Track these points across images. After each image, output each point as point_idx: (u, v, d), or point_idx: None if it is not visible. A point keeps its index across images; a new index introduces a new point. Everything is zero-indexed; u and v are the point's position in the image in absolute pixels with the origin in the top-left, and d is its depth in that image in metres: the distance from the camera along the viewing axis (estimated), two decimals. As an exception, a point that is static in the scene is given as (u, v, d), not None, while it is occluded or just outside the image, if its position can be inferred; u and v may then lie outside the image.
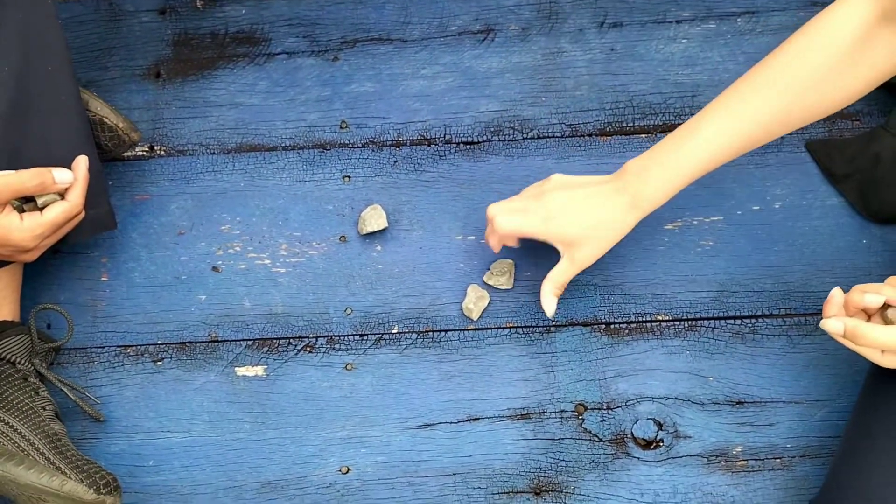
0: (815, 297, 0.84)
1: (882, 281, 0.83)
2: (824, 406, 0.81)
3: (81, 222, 0.78)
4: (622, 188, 0.73)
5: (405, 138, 0.91)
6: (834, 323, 0.66)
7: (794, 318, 0.83)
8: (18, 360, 0.79)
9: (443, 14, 0.95)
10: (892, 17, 0.66)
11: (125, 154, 0.91)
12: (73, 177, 0.73)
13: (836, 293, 0.67)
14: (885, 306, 0.67)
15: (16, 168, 0.70)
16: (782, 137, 0.89)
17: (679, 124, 0.90)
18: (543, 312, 0.83)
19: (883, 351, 0.65)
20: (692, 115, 0.90)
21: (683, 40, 0.93)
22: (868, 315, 0.68)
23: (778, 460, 0.79)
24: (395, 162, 0.91)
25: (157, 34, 0.96)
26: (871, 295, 0.66)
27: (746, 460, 0.79)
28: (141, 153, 0.92)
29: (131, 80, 0.94)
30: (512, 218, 0.76)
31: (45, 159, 0.74)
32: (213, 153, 0.92)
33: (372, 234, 0.88)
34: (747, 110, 0.69)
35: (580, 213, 0.74)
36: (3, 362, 0.79)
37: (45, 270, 0.87)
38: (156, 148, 0.92)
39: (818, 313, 0.83)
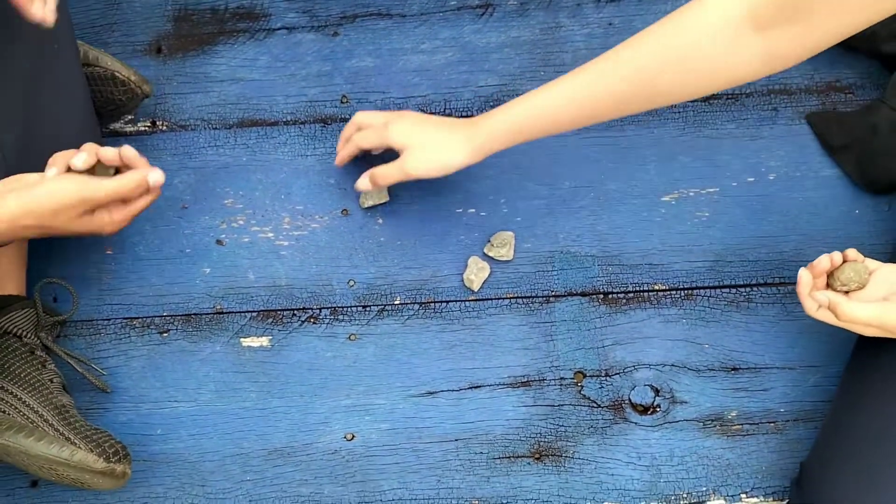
0: (808, 267, 0.86)
1: (872, 249, 0.85)
2: (817, 371, 0.83)
3: None
4: (469, 123, 0.78)
5: (405, 113, 0.92)
6: (818, 297, 0.69)
7: (787, 287, 0.85)
8: (24, 333, 0.80)
9: (442, -11, 0.96)
10: (763, 25, 0.64)
11: (128, 130, 0.92)
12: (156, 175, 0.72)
13: (803, 273, 0.71)
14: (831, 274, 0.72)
15: (27, 141, 0.71)
16: (776, 110, 0.91)
17: (675, 98, 0.92)
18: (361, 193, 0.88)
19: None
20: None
21: (680, 15, 0.94)
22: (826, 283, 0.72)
23: (772, 424, 0.81)
24: (396, 136, 0.92)
25: (157, 10, 0.96)
26: (823, 257, 0.71)
27: (741, 424, 0.81)
28: (143, 128, 0.92)
29: (132, 55, 0.94)
30: (368, 114, 0.84)
31: (53, 134, 0.75)
32: (215, 128, 0.92)
33: (373, 208, 0.89)
34: (587, 88, 0.71)
35: (425, 126, 0.79)
36: (10, 336, 0.80)
37: (49, 245, 0.88)
38: (158, 123, 0.93)
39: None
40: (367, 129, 0.83)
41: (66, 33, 0.75)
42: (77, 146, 0.73)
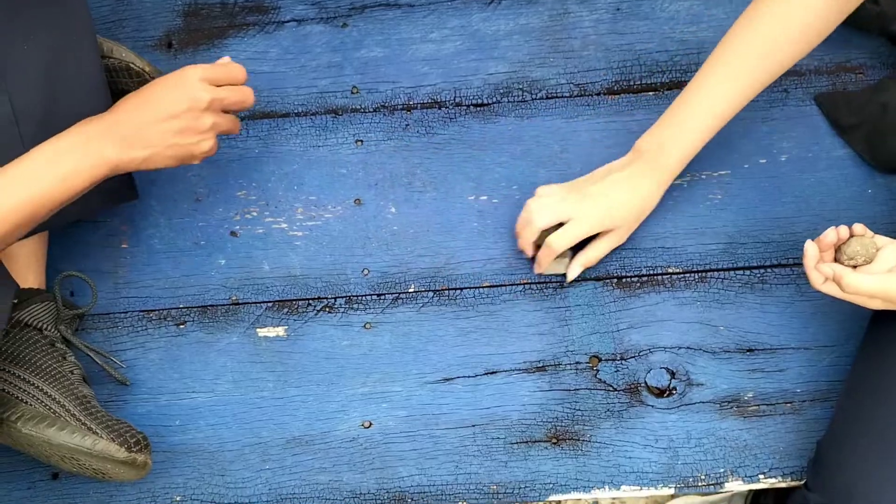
0: (821, 247, 0.86)
1: (885, 229, 0.85)
2: (832, 351, 0.83)
3: (103, 194, 0.79)
4: (647, 170, 0.81)
5: (416, 102, 0.93)
6: (823, 269, 0.70)
7: (801, 268, 0.85)
8: (45, 326, 0.81)
9: (449, -22, 0.96)
10: None
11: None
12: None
13: (809, 246, 0.71)
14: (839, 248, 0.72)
15: (47, 132, 0.71)
16: (787, 91, 0.91)
17: (685, 81, 0.91)
18: (563, 276, 0.86)
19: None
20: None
21: (688, -2, 0.94)
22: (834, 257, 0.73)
23: (788, 405, 0.81)
24: (407, 125, 0.92)
25: (167, 5, 0.97)
26: (830, 230, 0.72)
27: (758, 405, 0.81)
28: (156, 123, 0.93)
29: (143, 51, 0.95)
30: (544, 208, 0.82)
31: (71, 125, 0.75)
32: (227, 121, 0.93)
33: (385, 197, 0.89)
34: (736, 75, 0.76)
35: (620, 200, 0.81)
36: (31, 329, 0.81)
37: (66, 239, 0.89)
38: (170, 117, 0.93)
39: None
40: (565, 225, 0.81)
41: (84, 24, 0.75)
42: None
